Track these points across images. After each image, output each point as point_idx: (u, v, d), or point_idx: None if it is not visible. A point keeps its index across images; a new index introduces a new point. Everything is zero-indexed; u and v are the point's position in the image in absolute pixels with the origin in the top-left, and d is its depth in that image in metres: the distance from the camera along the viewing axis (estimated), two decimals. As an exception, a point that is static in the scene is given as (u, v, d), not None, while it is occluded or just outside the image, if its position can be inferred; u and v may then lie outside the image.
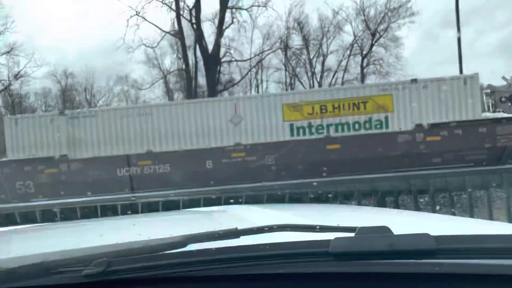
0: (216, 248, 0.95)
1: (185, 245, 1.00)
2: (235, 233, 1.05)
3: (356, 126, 11.44)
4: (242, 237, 1.03)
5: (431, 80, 11.83)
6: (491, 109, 13.09)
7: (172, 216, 2.57)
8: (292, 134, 11.51)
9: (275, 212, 2.07)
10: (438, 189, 4.93)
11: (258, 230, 1.09)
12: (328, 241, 0.86)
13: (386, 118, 11.29)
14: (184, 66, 27.23)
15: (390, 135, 10.99)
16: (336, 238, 0.87)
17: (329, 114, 11.45)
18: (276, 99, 11.86)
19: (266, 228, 1.09)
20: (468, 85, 11.22)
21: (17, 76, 33.41)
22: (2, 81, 33.50)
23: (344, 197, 5.18)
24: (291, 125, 11.56)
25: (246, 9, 27.17)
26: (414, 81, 11.76)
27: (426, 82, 11.51)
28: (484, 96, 13.26)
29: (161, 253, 0.96)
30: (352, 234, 0.93)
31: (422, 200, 5.89)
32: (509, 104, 12.99)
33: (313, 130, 11.50)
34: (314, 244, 0.91)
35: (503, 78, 15.56)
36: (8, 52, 32.18)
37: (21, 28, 37.92)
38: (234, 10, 27.06)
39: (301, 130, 11.52)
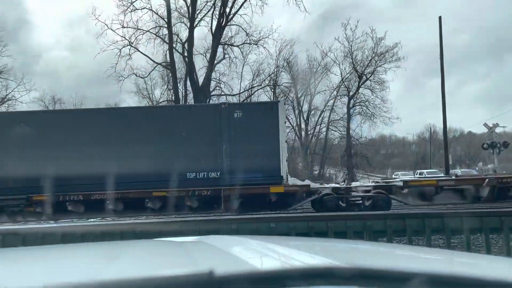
0: None
1: None
2: (207, 282, 0.55)
3: None
4: None
5: None
6: None
7: (124, 245, 1.93)
8: None
9: (268, 245, 1.49)
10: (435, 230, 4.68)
11: (260, 278, 0.57)
12: None
13: None
14: (173, 98, 27.16)
15: None
16: None
17: None
18: None
19: (278, 274, 0.58)
20: None
21: (4, 99, 32.95)
22: (-14, 103, 32.98)
23: (335, 235, 4.87)
24: None
25: (237, 46, 27.57)
26: None
27: None
28: None
29: None
30: None
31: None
32: None
33: None
34: None
35: None
36: (-4, 74, 31.86)
37: (16, 54, 38.11)
38: (226, 46, 27.43)
39: None
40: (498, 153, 21.31)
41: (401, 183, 11.11)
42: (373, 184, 12.59)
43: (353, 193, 11.30)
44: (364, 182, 17.16)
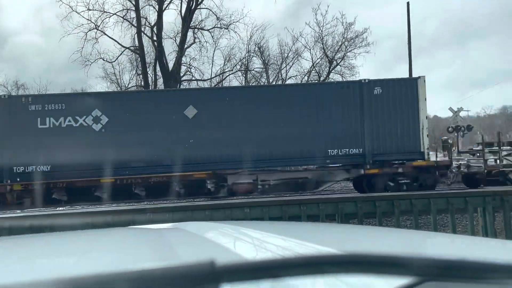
0: None
1: None
2: (210, 274, 0.50)
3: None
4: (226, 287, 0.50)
5: None
6: None
7: (101, 234, 1.80)
8: None
9: (246, 230, 1.49)
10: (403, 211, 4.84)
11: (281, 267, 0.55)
12: None
13: None
14: (143, 83, 26.59)
15: None
16: None
17: None
18: None
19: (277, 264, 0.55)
20: None
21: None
22: None
23: (308, 218, 4.96)
24: None
25: (208, 30, 27.15)
26: None
27: None
28: None
29: None
30: None
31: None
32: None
33: None
34: None
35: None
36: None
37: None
38: (196, 30, 26.95)
39: None
40: (462, 136, 22.10)
41: None
42: None
43: None
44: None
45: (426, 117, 11.78)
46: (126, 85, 30.83)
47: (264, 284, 0.56)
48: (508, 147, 14.70)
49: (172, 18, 35.14)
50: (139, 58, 26.11)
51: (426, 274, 0.58)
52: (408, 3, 22.63)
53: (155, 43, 25.44)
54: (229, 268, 0.51)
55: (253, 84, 31.00)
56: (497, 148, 13.28)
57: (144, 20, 25.85)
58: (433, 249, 1.05)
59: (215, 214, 4.76)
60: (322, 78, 31.96)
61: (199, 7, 26.10)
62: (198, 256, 0.69)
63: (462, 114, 23.54)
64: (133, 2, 24.81)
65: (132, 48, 26.28)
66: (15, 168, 10.76)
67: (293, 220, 4.91)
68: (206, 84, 29.13)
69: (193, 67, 27.96)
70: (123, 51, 26.61)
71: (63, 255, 1.20)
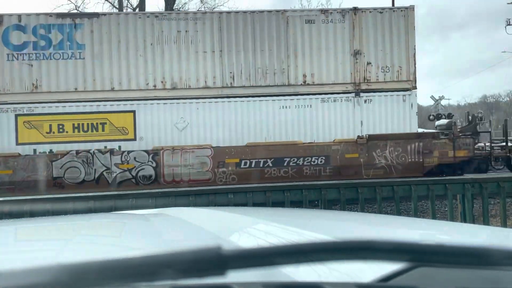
0: None
1: None
2: (216, 260, 0.49)
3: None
4: (233, 273, 0.50)
5: None
6: None
7: (87, 219, 1.70)
8: None
9: (234, 216, 1.47)
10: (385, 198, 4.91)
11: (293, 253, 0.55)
12: None
13: None
14: None
15: None
16: None
17: None
18: None
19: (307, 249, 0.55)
20: None
21: None
22: None
23: (291, 204, 4.99)
24: None
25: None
26: None
27: None
28: None
29: None
30: None
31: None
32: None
33: None
34: None
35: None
36: None
37: None
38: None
39: None
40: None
41: None
42: None
43: None
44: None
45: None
46: None
47: (267, 271, 0.56)
48: None
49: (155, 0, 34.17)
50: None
51: (418, 259, 0.58)
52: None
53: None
54: (236, 254, 0.51)
55: None
56: None
57: (126, 1, 25.32)
58: (424, 234, 1.06)
59: (199, 200, 4.74)
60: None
61: (183, -11, 25.63)
62: (187, 242, 0.68)
63: (443, 102, 23.90)
64: (115, -17, 24.22)
65: None
66: None
67: (277, 206, 4.93)
68: None
69: None
70: None
71: (52, 241, 1.18)
